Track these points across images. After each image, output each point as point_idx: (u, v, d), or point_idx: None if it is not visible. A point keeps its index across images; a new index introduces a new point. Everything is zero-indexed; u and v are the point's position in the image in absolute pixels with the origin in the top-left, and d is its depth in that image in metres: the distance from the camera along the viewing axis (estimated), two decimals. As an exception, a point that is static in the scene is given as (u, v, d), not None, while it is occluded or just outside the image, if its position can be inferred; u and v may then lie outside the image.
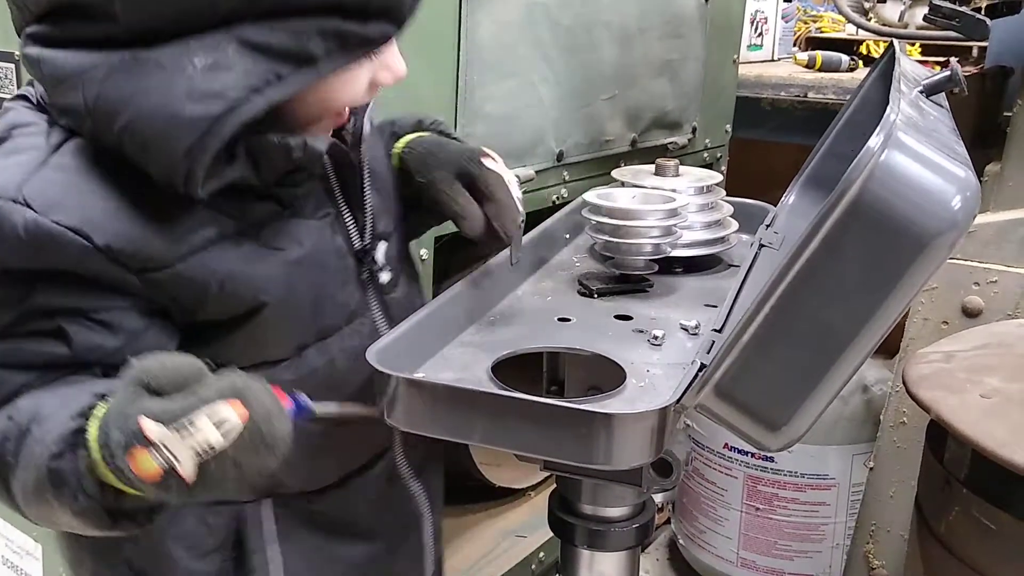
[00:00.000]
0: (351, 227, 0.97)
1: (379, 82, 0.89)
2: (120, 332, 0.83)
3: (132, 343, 0.83)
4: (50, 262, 0.80)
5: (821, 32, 3.68)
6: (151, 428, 0.68)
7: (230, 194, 0.84)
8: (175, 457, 0.68)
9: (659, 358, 1.01)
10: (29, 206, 0.78)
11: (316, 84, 0.81)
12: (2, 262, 0.80)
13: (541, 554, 1.93)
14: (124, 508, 0.75)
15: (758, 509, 1.79)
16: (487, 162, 1.05)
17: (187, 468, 0.69)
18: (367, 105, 0.97)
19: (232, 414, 0.70)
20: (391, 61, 0.88)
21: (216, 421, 0.69)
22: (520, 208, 1.07)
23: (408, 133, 1.12)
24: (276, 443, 0.72)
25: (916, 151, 0.75)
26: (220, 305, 0.86)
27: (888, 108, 0.79)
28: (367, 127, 0.98)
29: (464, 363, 0.98)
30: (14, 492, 0.78)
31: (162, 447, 0.68)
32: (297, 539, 0.98)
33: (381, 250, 1.00)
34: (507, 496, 2.07)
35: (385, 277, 1.01)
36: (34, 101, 0.87)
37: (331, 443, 0.97)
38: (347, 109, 0.94)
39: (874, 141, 0.74)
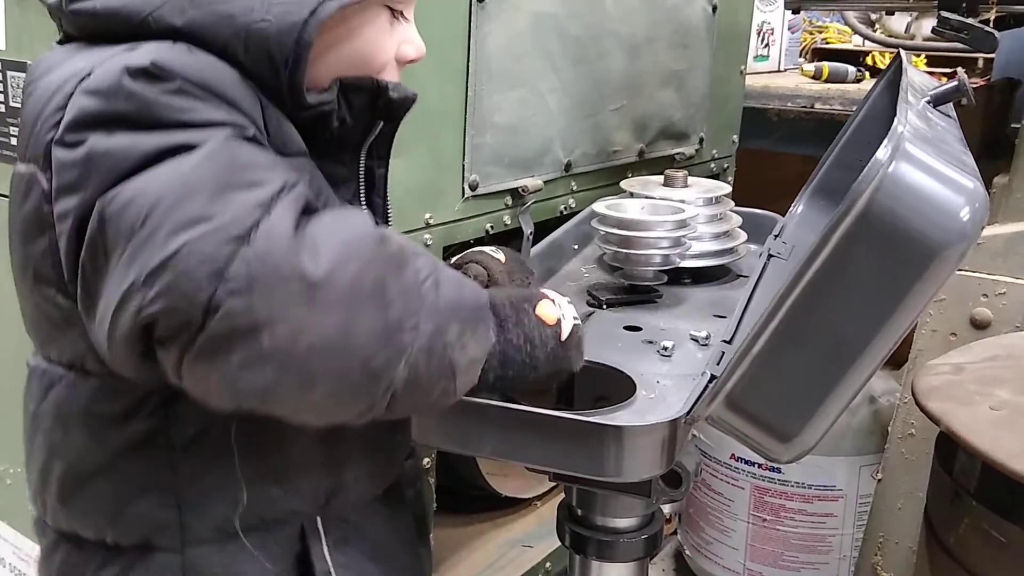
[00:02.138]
0: None
1: (403, 56, 0.93)
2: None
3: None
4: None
5: (827, 43, 3.69)
6: (551, 293, 0.90)
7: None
8: (564, 313, 0.89)
9: (669, 369, 1.01)
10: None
11: (350, 35, 0.87)
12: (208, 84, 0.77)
13: (547, 564, 1.92)
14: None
15: (765, 520, 1.79)
16: None
17: (568, 322, 0.88)
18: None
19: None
20: (414, 36, 0.94)
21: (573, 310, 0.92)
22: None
23: None
24: (583, 345, 0.90)
25: (924, 162, 0.75)
26: None
27: (896, 119, 0.79)
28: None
29: (474, 374, 0.98)
30: (416, 291, 0.76)
31: (558, 303, 0.90)
32: (349, 556, 0.95)
33: None
34: (513, 506, 2.06)
35: None
36: None
37: (385, 441, 0.96)
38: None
39: (882, 153, 0.74)
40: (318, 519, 0.92)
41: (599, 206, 1.25)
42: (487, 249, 1.07)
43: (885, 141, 0.75)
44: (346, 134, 0.90)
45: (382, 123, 0.92)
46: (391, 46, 0.92)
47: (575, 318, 0.90)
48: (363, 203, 0.95)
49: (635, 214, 1.24)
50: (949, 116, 0.99)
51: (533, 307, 0.86)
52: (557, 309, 0.88)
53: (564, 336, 0.87)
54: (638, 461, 0.84)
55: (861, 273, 0.76)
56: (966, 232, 0.74)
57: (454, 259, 1.11)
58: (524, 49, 1.57)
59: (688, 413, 0.85)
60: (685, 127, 2.07)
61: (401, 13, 0.92)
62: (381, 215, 0.98)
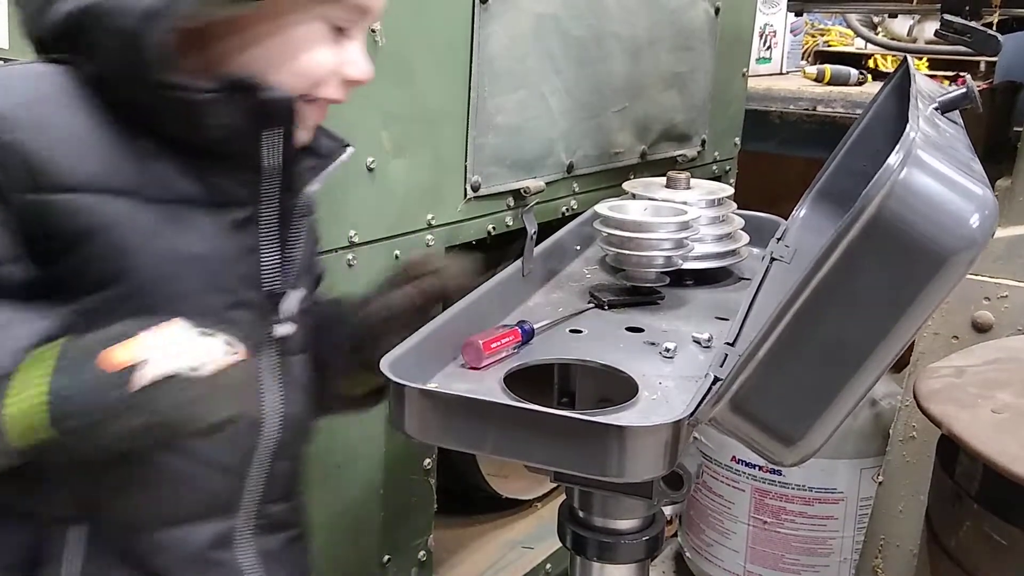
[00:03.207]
0: (270, 257, 0.91)
1: (346, 75, 0.90)
2: None
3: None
4: None
5: (829, 45, 3.70)
6: (154, 331, 0.74)
7: (166, 159, 0.84)
8: (149, 358, 0.71)
9: (671, 370, 1.01)
10: None
11: (279, 31, 0.85)
12: None
13: (548, 566, 1.92)
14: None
15: (765, 523, 1.78)
16: None
17: (151, 369, 0.71)
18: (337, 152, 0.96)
19: (228, 354, 0.74)
20: (359, 57, 0.91)
21: (207, 351, 0.72)
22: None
23: None
24: (239, 411, 0.76)
25: (935, 169, 0.75)
26: (82, 263, 0.81)
27: (907, 126, 0.79)
28: (312, 188, 0.94)
29: (477, 374, 0.98)
30: None
31: (145, 346, 0.71)
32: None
33: (292, 298, 0.94)
34: (514, 507, 2.06)
35: (282, 331, 0.94)
36: None
37: (170, 476, 0.88)
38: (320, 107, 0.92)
39: (894, 159, 0.74)
40: (71, 529, 0.86)
41: (601, 207, 1.25)
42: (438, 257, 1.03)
43: (897, 147, 0.75)
44: (235, 143, 0.86)
45: (278, 132, 0.86)
46: (329, 59, 0.89)
47: (223, 356, 0.75)
48: (260, 231, 0.90)
49: (637, 216, 1.23)
50: (956, 123, 0.99)
51: (100, 350, 0.74)
52: (131, 353, 0.73)
53: (143, 381, 0.72)
54: (640, 462, 0.83)
55: (869, 278, 0.76)
56: (975, 238, 0.74)
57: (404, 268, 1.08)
58: (527, 50, 1.57)
59: (692, 415, 0.85)
60: (687, 129, 2.07)
61: (346, 32, 0.90)
62: (292, 249, 0.93)
